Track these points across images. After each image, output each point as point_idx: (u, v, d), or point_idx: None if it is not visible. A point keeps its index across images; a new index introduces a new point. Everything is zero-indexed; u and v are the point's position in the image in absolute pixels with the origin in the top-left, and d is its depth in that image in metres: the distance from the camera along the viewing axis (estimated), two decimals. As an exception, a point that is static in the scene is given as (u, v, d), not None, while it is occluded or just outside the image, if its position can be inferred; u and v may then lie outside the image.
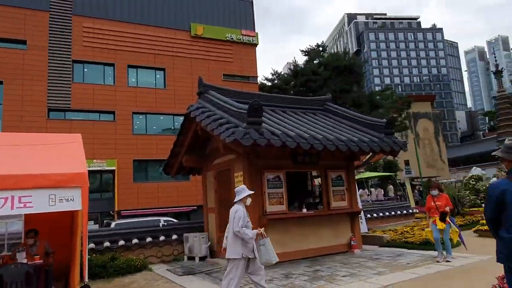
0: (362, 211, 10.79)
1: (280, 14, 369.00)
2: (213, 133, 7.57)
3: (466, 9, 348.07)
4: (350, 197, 9.27)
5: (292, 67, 35.19)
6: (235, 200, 5.22)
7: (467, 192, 14.85)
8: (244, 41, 27.06)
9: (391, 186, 28.41)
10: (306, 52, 35.28)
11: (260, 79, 33.61)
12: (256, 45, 27.91)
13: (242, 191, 5.22)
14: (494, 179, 15.88)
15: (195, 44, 25.97)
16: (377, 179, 32.45)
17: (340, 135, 8.44)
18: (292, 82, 33.23)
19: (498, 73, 22.42)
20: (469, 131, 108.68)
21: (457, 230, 7.18)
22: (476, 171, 18.56)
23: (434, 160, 56.43)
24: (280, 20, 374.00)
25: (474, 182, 16.23)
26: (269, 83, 33.58)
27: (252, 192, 5.43)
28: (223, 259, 8.72)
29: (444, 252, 7.15)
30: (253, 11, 28.38)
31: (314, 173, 10.35)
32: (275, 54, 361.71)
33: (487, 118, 79.13)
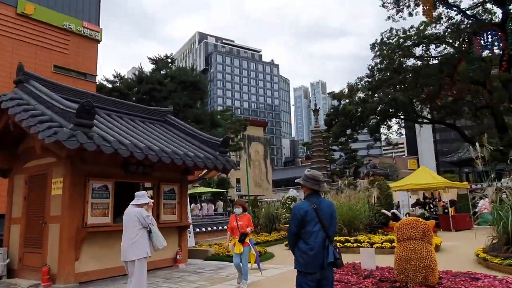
0: (191, 225, 10.96)
1: (131, 14, 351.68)
2: (29, 130, 6.46)
3: (299, 53, 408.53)
4: (180, 211, 9.29)
5: (137, 72, 33.77)
6: (133, 203, 5.35)
7: (284, 210, 16.96)
8: (85, 34, 24.48)
9: (220, 202, 29.93)
10: (154, 61, 34.52)
11: (99, 78, 30.95)
12: (99, 41, 25.64)
13: (143, 196, 5.44)
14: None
15: (21, 24, 22.05)
16: (210, 194, 33.73)
17: (177, 148, 8.45)
18: (136, 88, 31.83)
19: (316, 112, 26.89)
20: (291, 157, 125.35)
21: (254, 253, 6.77)
22: (292, 192, 21.25)
23: (262, 180, 62.59)
24: (131, 19, 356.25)
25: (289, 202, 18.64)
26: (110, 85, 31.26)
27: (152, 201, 5.54)
28: (24, 280, 7.39)
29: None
30: (99, 4, 26.17)
31: (148, 184, 9.98)
32: (120, 54, 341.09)
33: (305, 147, 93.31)
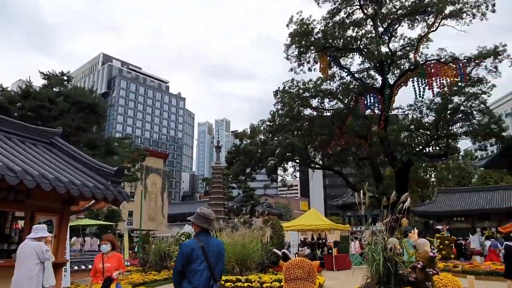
0: (68, 262, 9.71)
1: (24, 20, 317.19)
2: None
3: (207, 89, 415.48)
4: (57, 246, 8.20)
5: (24, 86, 30.14)
6: (31, 236, 5.21)
7: (177, 247, 16.25)
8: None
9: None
10: (47, 76, 31.35)
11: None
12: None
13: (42, 230, 5.34)
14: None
15: None
16: (96, 227, 30.72)
17: (61, 175, 7.59)
18: (20, 103, 28.23)
19: (218, 148, 27.27)
20: (190, 192, 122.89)
21: None
22: (187, 228, 20.65)
23: (156, 214, 59.57)
24: (22, 25, 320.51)
25: (184, 239, 18.01)
26: (-15, 96, 27.19)
27: (50, 236, 5.43)
28: None
29: None
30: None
31: (20, 213, 8.67)
32: (3, 64, 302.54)
33: (204, 183, 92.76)
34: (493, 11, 22.11)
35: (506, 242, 11.55)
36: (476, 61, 23.10)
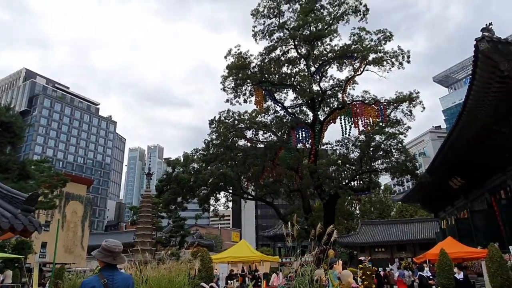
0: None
1: None
2: None
3: (141, 114, 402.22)
4: None
5: None
6: None
7: (95, 282, 14.86)
8: None
9: (9, 272, 24.27)
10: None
11: None
12: None
13: None
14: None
15: None
16: (1, 261, 27.14)
17: (-40, 201, 6.64)
18: None
19: (149, 175, 26.15)
20: (115, 221, 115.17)
21: None
22: (109, 261, 19.14)
23: (75, 246, 54.52)
24: None
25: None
26: None
27: None
28: None
29: None
30: None
31: None
32: None
33: (132, 212, 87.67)
34: (408, 62, 24.89)
35: (419, 272, 12.46)
36: (395, 104, 25.57)
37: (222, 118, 29.15)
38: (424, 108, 25.37)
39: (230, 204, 33.21)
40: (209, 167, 27.94)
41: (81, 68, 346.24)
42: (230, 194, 31.41)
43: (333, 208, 28.30)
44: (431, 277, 14.96)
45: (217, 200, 30.77)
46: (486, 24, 15.55)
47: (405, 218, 57.34)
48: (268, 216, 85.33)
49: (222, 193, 30.68)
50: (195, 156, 29.25)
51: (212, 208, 32.24)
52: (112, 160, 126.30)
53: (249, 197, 32.47)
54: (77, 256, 52.27)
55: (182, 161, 29.04)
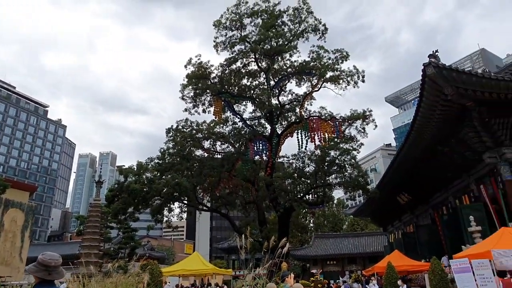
0: None
1: None
2: None
3: (94, 120, 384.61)
4: None
5: None
6: None
7: (32, 298, 13.79)
8: None
9: None
10: None
11: None
12: None
13: None
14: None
15: None
16: None
17: None
18: None
19: (99, 183, 24.91)
20: (59, 231, 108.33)
21: None
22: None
23: (12, 257, 50.26)
24: None
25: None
26: None
27: None
28: None
29: None
30: None
31: None
32: None
33: (79, 221, 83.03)
34: (363, 81, 26.07)
35: (366, 285, 12.80)
36: (349, 121, 26.57)
37: (180, 127, 28.67)
38: (376, 126, 26.58)
39: (184, 215, 32.47)
40: (163, 177, 27.22)
41: (30, 68, 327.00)
42: (185, 205, 30.74)
43: (288, 220, 28.57)
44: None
45: (170, 210, 29.97)
46: (433, 51, 16.68)
47: (356, 232, 59.24)
48: (223, 228, 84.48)
49: (176, 204, 29.98)
50: (150, 165, 28.40)
51: (165, 219, 31.28)
52: (59, 166, 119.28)
53: (204, 208, 31.97)
54: (14, 269, 48.17)
55: (135, 169, 28.06)
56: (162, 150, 28.37)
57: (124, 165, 29.82)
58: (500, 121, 17.48)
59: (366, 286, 20.13)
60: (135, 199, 26.09)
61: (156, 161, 28.36)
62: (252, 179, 27.85)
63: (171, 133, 28.42)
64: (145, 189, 26.08)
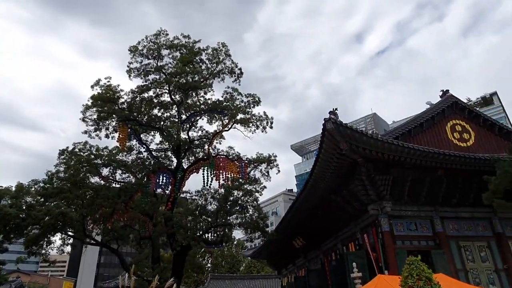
0: None
1: None
2: None
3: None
4: None
5: None
6: None
7: None
8: None
9: None
10: None
11: None
12: None
13: None
14: None
15: None
16: None
17: None
18: None
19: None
20: None
21: None
22: None
23: None
24: None
25: None
26: None
27: None
28: None
29: None
30: None
31: None
32: None
33: None
34: (271, 127, 27.36)
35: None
36: (255, 164, 27.35)
37: (77, 150, 26.25)
38: (279, 170, 27.78)
39: (67, 248, 28.94)
40: (47, 203, 24.17)
41: None
42: (69, 237, 27.51)
43: (184, 259, 27.40)
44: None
45: (50, 243, 26.44)
46: (333, 109, 18.43)
47: (252, 274, 59.35)
48: (112, 265, 77.47)
49: (59, 235, 26.64)
50: (33, 188, 25.09)
51: (43, 251, 27.42)
52: None
53: (92, 242, 28.99)
54: None
55: (13, 191, 24.47)
56: (49, 173, 25.44)
57: (1, 186, 25.78)
58: (382, 177, 19.70)
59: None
60: (6, 225, 22.48)
61: (42, 184, 25.22)
62: (150, 213, 26.38)
63: (65, 155, 25.81)
64: (21, 215, 22.74)
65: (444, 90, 26.83)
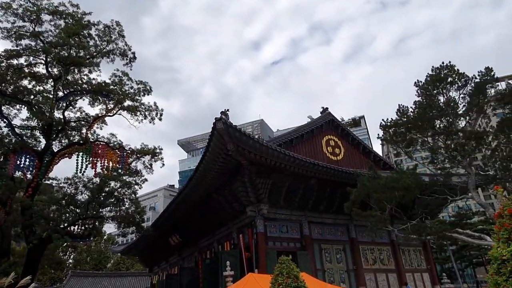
0: None
1: None
2: None
3: None
4: None
5: None
6: None
7: None
8: None
9: None
10: None
11: None
12: None
13: None
14: None
15: None
16: None
17: None
18: None
19: None
20: None
21: None
22: None
23: None
24: None
25: None
26: None
27: None
28: None
29: None
30: None
31: None
32: None
33: None
34: (160, 119, 26.26)
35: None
36: (138, 155, 25.86)
37: None
38: (163, 164, 26.81)
39: None
40: None
41: None
42: None
43: (41, 254, 24.23)
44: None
45: None
46: (225, 109, 18.68)
47: (120, 272, 55.97)
48: None
49: None
50: None
51: None
52: None
53: None
54: None
55: None
56: None
57: None
58: (263, 181, 20.75)
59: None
60: None
61: None
62: (4, 199, 22.59)
63: None
64: None
65: (324, 108, 29.78)
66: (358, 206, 19.05)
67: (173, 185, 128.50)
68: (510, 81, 18.28)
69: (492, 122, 28.63)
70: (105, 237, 58.14)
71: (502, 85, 21.97)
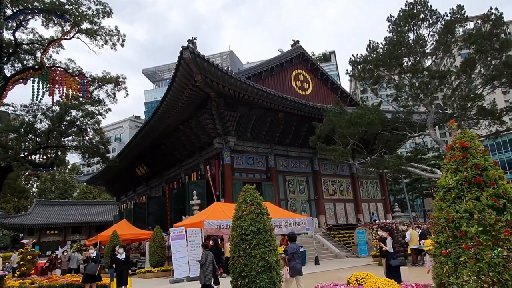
0: None
1: None
2: None
3: None
4: None
5: None
6: None
7: None
8: None
9: None
10: None
11: None
12: None
13: None
14: None
15: None
16: None
17: None
18: None
19: None
20: None
21: None
22: None
23: None
24: None
25: None
26: None
27: None
28: None
29: None
30: None
31: None
32: None
33: None
34: (122, 45, 24.59)
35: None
36: (100, 83, 24.60)
37: None
38: (127, 94, 25.79)
39: None
40: None
41: None
42: None
43: (1, 182, 23.74)
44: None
45: None
46: (192, 37, 17.71)
47: (87, 200, 56.42)
48: None
49: None
50: None
51: None
52: None
53: None
54: None
55: None
56: None
57: None
58: (231, 113, 20.65)
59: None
60: None
61: None
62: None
63: None
64: None
65: (295, 40, 29.01)
66: (322, 140, 19.62)
67: (139, 116, 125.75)
68: (479, 21, 18.23)
69: (457, 62, 29.25)
70: (69, 166, 57.32)
71: (470, 25, 22.02)
